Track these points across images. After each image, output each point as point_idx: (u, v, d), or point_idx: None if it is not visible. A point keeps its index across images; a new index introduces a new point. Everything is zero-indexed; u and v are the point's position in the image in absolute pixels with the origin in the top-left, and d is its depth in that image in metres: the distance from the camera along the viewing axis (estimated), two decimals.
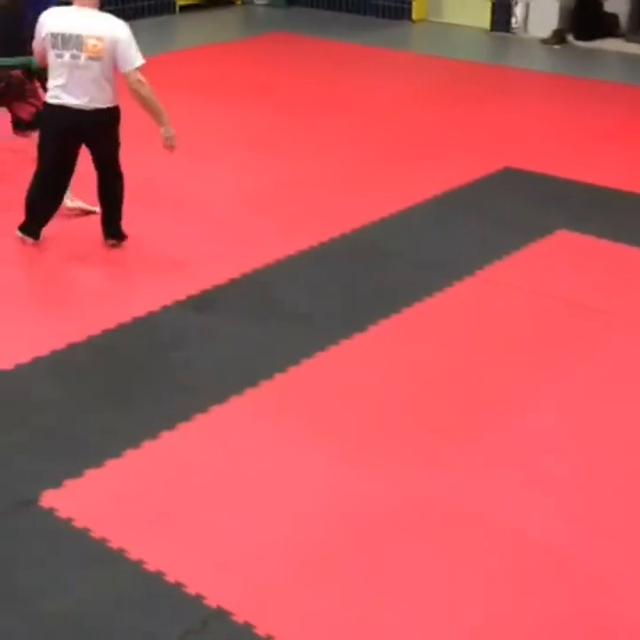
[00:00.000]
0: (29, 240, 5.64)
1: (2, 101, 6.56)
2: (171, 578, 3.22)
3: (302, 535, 3.46)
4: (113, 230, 5.71)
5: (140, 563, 3.29)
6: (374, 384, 4.42)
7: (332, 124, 8.05)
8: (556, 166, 7.11)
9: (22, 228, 5.64)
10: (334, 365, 4.57)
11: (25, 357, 4.52)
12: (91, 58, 5.28)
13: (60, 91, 5.36)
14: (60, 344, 4.64)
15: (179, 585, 3.19)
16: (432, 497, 3.67)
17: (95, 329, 4.79)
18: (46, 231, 5.66)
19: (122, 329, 4.82)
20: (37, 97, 6.39)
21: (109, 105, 5.43)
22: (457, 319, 5.02)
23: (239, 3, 13.11)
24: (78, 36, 5.27)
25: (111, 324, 4.84)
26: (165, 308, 5.04)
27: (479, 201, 6.57)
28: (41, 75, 6.05)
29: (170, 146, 5.63)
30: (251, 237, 5.95)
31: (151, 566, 3.27)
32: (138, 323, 4.90)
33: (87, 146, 5.55)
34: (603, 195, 6.67)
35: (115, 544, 3.37)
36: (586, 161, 7.30)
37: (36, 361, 4.51)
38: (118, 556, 3.32)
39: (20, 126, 6.72)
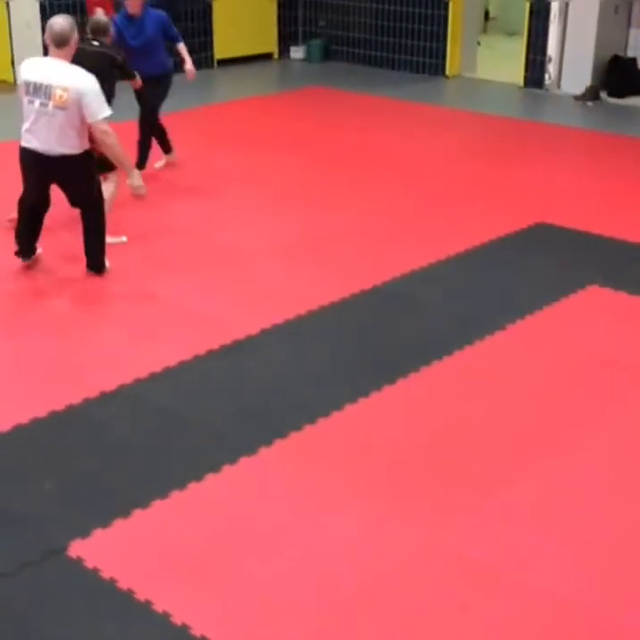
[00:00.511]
0: (22, 261, 6.06)
1: None
2: (196, 631, 3.20)
3: (328, 591, 3.43)
4: (93, 261, 6.04)
5: (166, 615, 3.27)
6: (403, 437, 4.40)
7: (366, 177, 8.12)
8: (589, 222, 7.11)
9: (16, 252, 6.06)
10: (363, 417, 4.56)
11: (58, 405, 4.56)
12: (57, 107, 5.61)
13: (29, 135, 5.73)
14: (92, 392, 4.68)
15: (204, 639, 3.18)
16: (461, 554, 3.63)
17: (127, 378, 4.83)
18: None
19: (153, 377, 4.86)
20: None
21: (75, 151, 5.70)
22: (487, 373, 5.00)
23: (276, 57, 13.34)
24: (48, 86, 5.62)
25: (143, 374, 4.88)
26: (196, 357, 5.07)
27: (512, 255, 6.58)
28: None
29: (137, 195, 5.99)
30: (282, 287, 5.99)
31: (177, 619, 3.25)
32: (168, 371, 4.93)
33: (57, 185, 5.89)
34: (636, 251, 6.66)
35: (141, 595, 3.36)
36: (619, 217, 7.29)
37: (69, 409, 4.55)
38: (145, 608, 3.31)
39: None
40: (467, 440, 4.39)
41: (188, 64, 8.01)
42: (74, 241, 6.21)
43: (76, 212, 6.07)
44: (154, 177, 7.85)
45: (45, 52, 5.83)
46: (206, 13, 12.63)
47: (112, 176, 6.58)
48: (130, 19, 7.66)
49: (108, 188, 6.39)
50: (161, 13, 7.82)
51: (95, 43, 6.84)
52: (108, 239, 6.20)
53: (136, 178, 5.97)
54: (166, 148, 8.24)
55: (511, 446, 4.34)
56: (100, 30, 6.86)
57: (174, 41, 7.96)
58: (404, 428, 4.49)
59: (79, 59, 6.03)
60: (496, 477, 4.11)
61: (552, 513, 3.88)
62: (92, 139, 5.86)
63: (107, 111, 5.67)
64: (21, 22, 11.38)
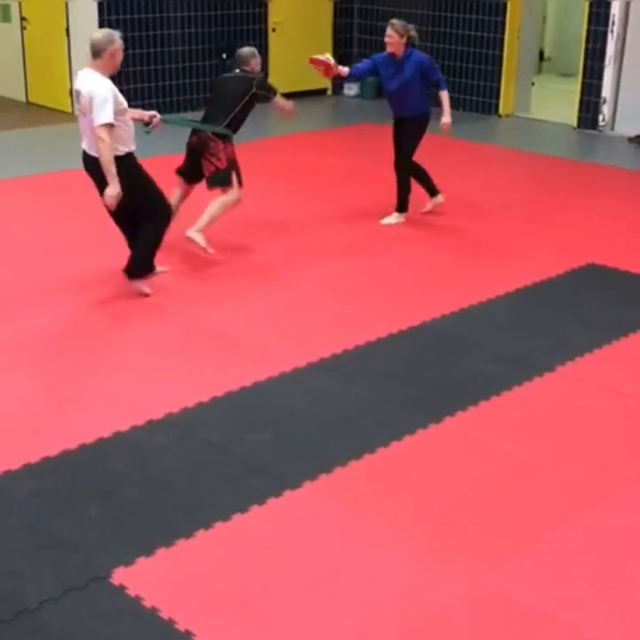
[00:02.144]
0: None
1: (197, 158, 7.06)
2: None
3: (373, 630, 3.40)
4: (128, 265, 6.31)
5: None
6: (448, 476, 4.37)
7: (418, 214, 8.12)
8: None
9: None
10: (409, 455, 4.53)
11: (105, 432, 4.60)
12: (81, 111, 6.06)
13: (83, 137, 6.17)
14: (139, 420, 4.71)
15: None
16: (509, 597, 3.58)
17: (174, 407, 4.86)
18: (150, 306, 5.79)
19: (200, 407, 4.88)
20: (218, 157, 6.94)
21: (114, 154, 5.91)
22: (535, 415, 4.95)
23: (330, 93, 13.45)
24: (78, 92, 6.03)
25: (190, 403, 4.91)
26: (243, 388, 5.09)
27: (562, 296, 6.53)
28: (227, 137, 6.98)
29: (109, 203, 5.96)
30: (333, 322, 6.00)
31: None
32: (215, 401, 4.95)
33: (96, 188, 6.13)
34: None
35: (182, 626, 3.35)
36: None
37: (116, 436, 4.58)
38: (185, 639, 3.30)
39: (209, 182, 7.11)
40: (513, 480, 4.34)
41: (446, 116, 7.66)
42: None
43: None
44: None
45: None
46: (262, 49, 12.78)
47: (234, 191, 6.97)
48: (390, 59, 7.61)
49: (218, 200, 6.92)
50: (423, 56, 7.65)
51: (237, 71, 7.20)
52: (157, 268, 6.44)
53: (113, 187, 5.82)
54: (431, 191, 8.07)
55: (558, 489, 4.28)
56: (241, 60, 7.18)
57: (437, 86, 7.65)
58: (450, 466, 4.46)
59: (217, 84, 7.20)
60: (543, 519, 4.05)
61: (600, 558, 3.81)
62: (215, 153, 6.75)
63: (106, 118, 5.78)
64: (81, 53, 11.61)
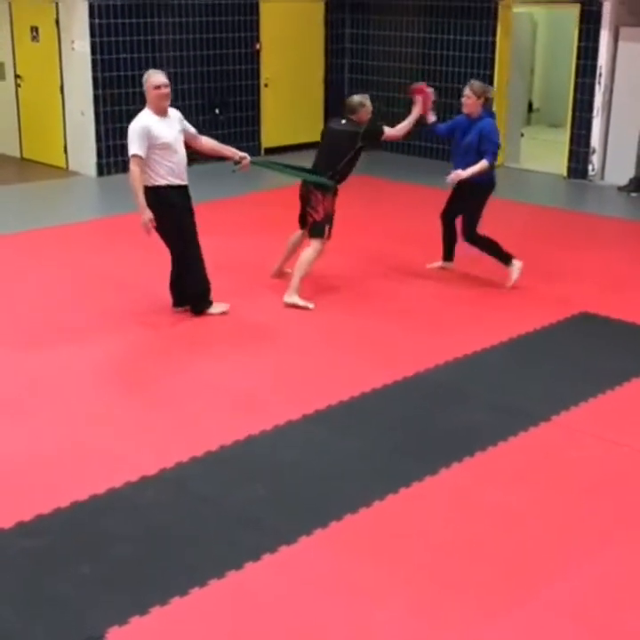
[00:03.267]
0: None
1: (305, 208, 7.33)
2: None
3: None
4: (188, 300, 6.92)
5: None
6: (444, 529, 4.34)
7: (410, 265, 8.16)
8: (634, 313, 7.07)
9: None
10: (404, 509, 4.50)
11: (99, 489, 4.57)
12: None
13: None
14: (133, 476, 4.68)
15: None
16: None
17: (168, 461, 4.83)
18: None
19: (194, 462, 4.86)
20: (316, 209, 7.15)
21: (146, 184, 6.47)
22: (531, 465, 4.94)
23: None
24: None
25: (184, 457, 4.88)
26: (236, 442, 5.07)
27: (556, 345, 6.55)
28: (327, 189, 7.15)
29: (146, 230, 6.48)
30: (327, 373, 6.00)
31: None
32: (209, 456, 4.92)
33: None
34: None
35: None
36: None
37: (110, 492, 4.55)
38: None
39: (309, 233, 7.31)
40: (509, 533, 4.31)
41: (463, 171, 7.26)
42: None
43: None
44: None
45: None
46: (255, 103, 12.95)
47: (315, 243, 7.14)
48: (466, 119, 7.48)
49: (305, 252, 7.18)
50: (489, 124, 7.30)
51: (343, 121, 7.28)
52: (214, 308, 6.92)
53: (143, 214, 6.40)
54: (447, 256, 8.01)
55: (555, 542, 4.25)
56: (349, 109, 7.25)
57: (481, 154, 7.27)
58: (446, 519, 4.43)
59: (324, 135, 7.39)
60: (539, 573, 4.02)
61: (597, 612, 3.78)
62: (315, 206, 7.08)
63: (132, 150, 6.40)
64: (76, 111, 11.75)
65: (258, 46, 12.83)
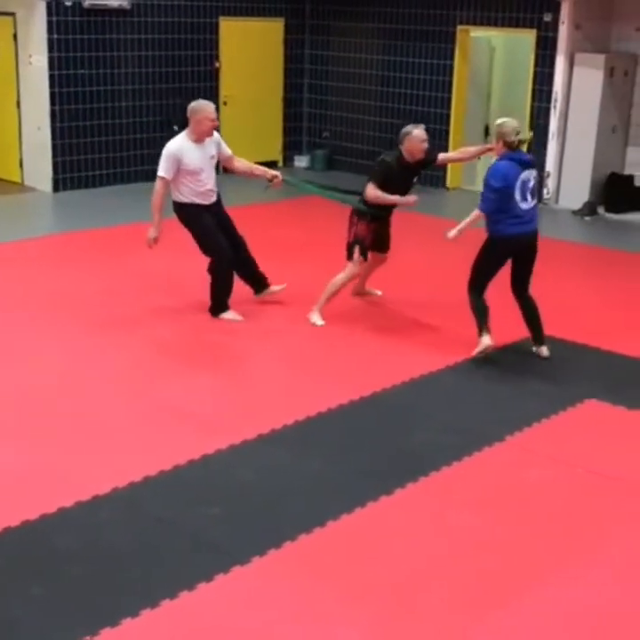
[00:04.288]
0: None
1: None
2: None
3: None
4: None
5: None
6: (398, 550, 4.33)
7: (369, 284, 8.18)
8: (588, 335, 7.14)
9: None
10: (359, 529, 4.49)
11: (49, 508, 4.50)
12: None
13: None
14: (85, 495, 4.62)
15: None
16: None
17: (121, 481, 4.78)
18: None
19: (147, 481, 4.80)
20: (350, 230, 7.17)
21: (173, 199, 7.04)
22: (485, 486, 4.95)
23: (280, 165, 13.61)
24: None
25: (137, 477, 4.83)
26: (191, 461, 5.02)
27: (511, 366, 6.59)
28: (361, 213, 7.15)
29: (148, 245, 6.98)
30: (284, 393, 5.98)
31: None
32: (163, 475, 4.87)
33: None
34: (634, 365, 6.66)
35: None
36: (617, 331, 7.33)
37: (61, 512, 4.48)
38: None
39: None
40: (464, 554, 4.31)
41: (453, 230, 6.70)
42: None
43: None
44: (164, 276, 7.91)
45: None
46: None
47: (350, 266, 7.13)
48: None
49: (340, 275, 7.18)
50: (493, 168, 6.37)
51: (393, 151, 7.22)
52: (226, 315, 7.17)
53: (153, 231, 6.94)
54: (536, 338, 6.74)
55: (509, 563, 4.26)
56: (399, 139, 7.09)
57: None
58: (400, 539, 4.42)
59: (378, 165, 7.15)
60: (493, 595, 4.02)
61: (551, 633, 3.79)
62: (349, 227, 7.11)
63: (160, 172, 6.87)
64: (33, 125, 11.65)
65: (217, 64, 12.85)
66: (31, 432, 5.35)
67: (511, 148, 6.33)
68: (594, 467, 5.16)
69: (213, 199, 7.10)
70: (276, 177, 7.21)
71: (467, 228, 6.62)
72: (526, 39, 12.14)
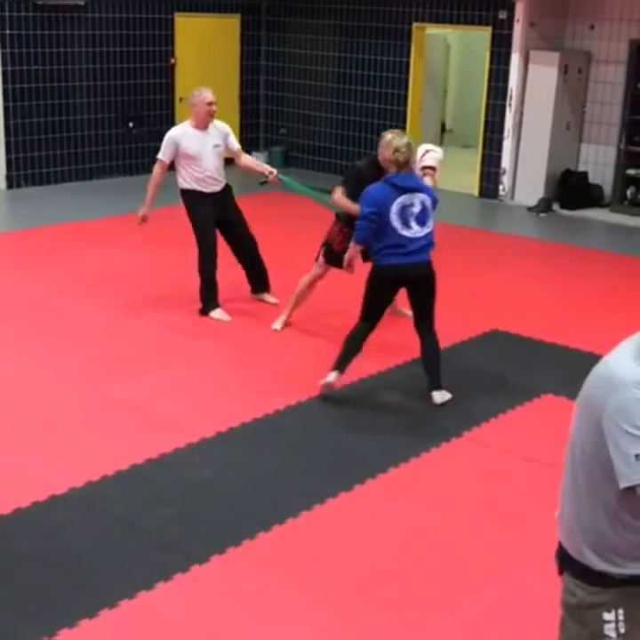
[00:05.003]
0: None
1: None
2: None
3: None
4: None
5: None
6: (358, 546, 4.34)
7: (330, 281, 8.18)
8: (543, 331, 7.21)
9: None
10: (319, 525, 4.49)
11: (5, 509, 4.45)
12: None
13: None
14: (41, 496, 4.57)
15: None
16: None
17: (78, 481, 4.74)
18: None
19: (105, 481, 4.77)
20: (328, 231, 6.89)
21: (180, 186, 7.18)
22: (443, 481, 4.98)
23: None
24: None
25: (95, 477, 4.79)
26: (148, 460, 4.99)
27: (466, 362, 6.63)
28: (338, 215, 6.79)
29: (137, 222, 7.24)
30: (241, 391, 5.96)
31: None
32: (120, 475, 4.84)
33: None
34: (589, 360, 6.70)
35: None
36: (572, 326, 7.41)
37: (16, 513, 4.43)
38: None
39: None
40: (423, 549, 4.33)
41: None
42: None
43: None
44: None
45: None
46: (169, 117, 12.87)
47: (314, 267, 6.96)
48: None
49: (304, 277, 7.02)
50: (364, 192, 5.79)
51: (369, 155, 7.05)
52: (214, 314, 7.15)
53: (143, 209, 7.20)
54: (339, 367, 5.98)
55: (468, 557, 4.29)
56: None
57: None
58: (360, 536, 4.43)
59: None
60: (453, 588, 4.05)
61: (508, 625, 3.82)
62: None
63: (158, 154, 7.12)
64: None
65: (172, 61, 12.77)
66: None
67: (398, 167, 5.66)
68: (550, 460, 5.21)
69: (216, 188, 7.19)
70: (272, 173, 7.38)
71: (350, 256, 5.96)
72: (482, 36, 12.22)
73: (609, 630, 2.48)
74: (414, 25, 12.28)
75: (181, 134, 7.12)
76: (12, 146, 11.45)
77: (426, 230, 5.77)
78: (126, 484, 4.78)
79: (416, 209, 5.71)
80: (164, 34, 12.62)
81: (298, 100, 13.64)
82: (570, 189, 11.62)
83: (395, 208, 5.62)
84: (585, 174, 11.75)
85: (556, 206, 11.61)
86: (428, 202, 5.78)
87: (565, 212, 11.52)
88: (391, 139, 5.76)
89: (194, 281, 7.42)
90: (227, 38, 13.42)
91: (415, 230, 5.71)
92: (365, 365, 6.36)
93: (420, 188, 5.79)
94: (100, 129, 12.25)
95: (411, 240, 5.69)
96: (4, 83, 11.20)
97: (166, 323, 7.11)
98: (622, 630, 2.48)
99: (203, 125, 7.17)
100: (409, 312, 6.83)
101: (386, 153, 5.74)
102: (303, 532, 4.44)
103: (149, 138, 12.24)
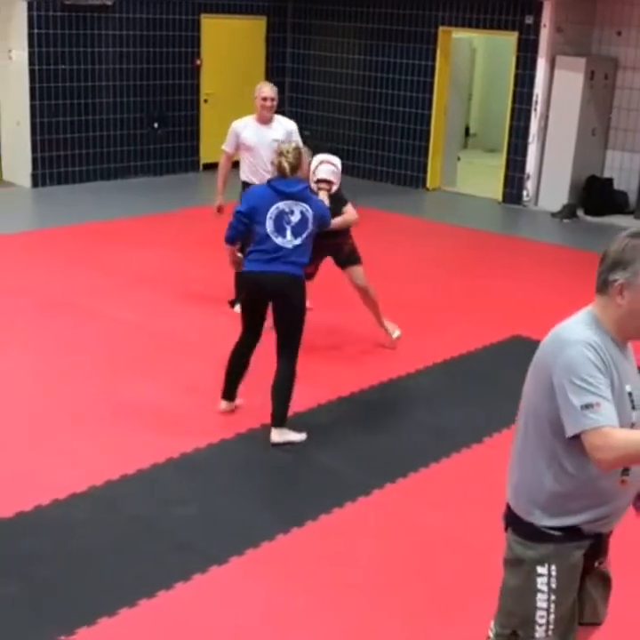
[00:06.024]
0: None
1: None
2: None
3: None
4: None
5: None
6: (377, 550, 4.34)
7: (344, 288, 8.18)
8: None
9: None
10: (337, 529, 4.49)
11: (26, 506, 4.47)
12: None
13: None
14: (62, 494, 4.59)
15: None
16: None
17: (98, 479, 4.76)
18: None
19: (125, 480, 4.79)
20: None
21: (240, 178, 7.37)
22: (463, 486, 4.97)
23: None
24: None
25: (115, 476, 4.81)
26: (170, 459, 5.01)
27: (489, 368, 6.61)
28: None
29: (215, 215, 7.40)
30: (261, 394, 5.96)
31: None
32: (141, 474, 4.86)
33: None
34: None
35: None
36: None
37: (36, 510, 4.45)
38: None
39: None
40: (441, 555, 4.32)
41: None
42: None
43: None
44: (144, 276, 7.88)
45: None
46: (194, 118, 12.92)
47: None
48: None
49: None
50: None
51: None
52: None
53: (216, 200, 7.34)
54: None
55: (491, 560, 4.28)
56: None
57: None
58: (379, 540, 4.43)
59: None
60: (470, 591, 4.04)
61: None
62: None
63: (223, 145, 7.46)
64: (12, 121, 11.58)
65: (198, 62, 12.81)
66: (4, 431, 5.32)
67: (281, 172, 5.36)
68: None
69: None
70: None
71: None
72: (508, 41, 12.18)
73: (542, 584, 2.67)
74: (440, 28, 12.26)
75: (243, 125, 7.34)
76: (39, 144, 11.51)
77: (297, 242, 5.33)
78: (146, 483, 4.80)
79: (294, 218, 5.33)
80: (191, 35, 12.66)
81: (323, 102, 13.65)
82: (594, 196, 11.57)
83: (272, 212, 5.30)
84: (610, 181, 11.69)
85: (580, 212, 11.56)
86: (310, 214, 5.35)
87: (589, 219, 11.46)
88: (279, 144, 5.65)
89: (216, 282, 7.44)
90: (252, 40, 13.44)
91: (288, 239, 5.31)
92: (386, 370, 6.35)
93: (304, 199, 5.38)
94: (125, 129, 12.30)
95: (278, 248, 5.29)
96: (32, 81, 11.27)
97: (186, 323, 7.13)
98: (554, 585, 2.65)
99: (261, 119, 7.30)
100: (397, 331, 6.80)
101: (272, 156, 5.60)
102: (321, 534, 4.44)
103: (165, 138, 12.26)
